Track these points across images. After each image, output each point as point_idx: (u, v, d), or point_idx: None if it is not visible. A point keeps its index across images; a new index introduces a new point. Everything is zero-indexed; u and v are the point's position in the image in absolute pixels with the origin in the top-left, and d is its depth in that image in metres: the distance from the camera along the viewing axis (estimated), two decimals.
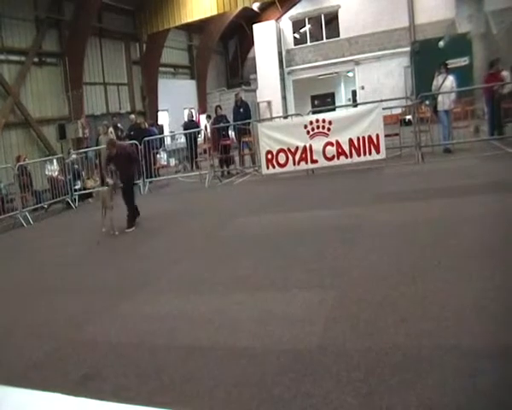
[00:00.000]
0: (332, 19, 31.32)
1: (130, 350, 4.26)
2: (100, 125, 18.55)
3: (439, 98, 13.26)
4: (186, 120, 19.98)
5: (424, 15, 27.42)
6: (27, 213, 13.14)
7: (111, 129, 17.80)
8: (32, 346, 4.67)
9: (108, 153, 10.12)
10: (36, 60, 19.70)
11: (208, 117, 19.73)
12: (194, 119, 20.29)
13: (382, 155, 12.62)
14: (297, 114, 16.06)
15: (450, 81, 13.21)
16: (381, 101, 13.60)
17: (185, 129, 18.65)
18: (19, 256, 9.36)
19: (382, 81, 27.78)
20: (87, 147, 17.06)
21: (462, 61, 22.15)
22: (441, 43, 24.07)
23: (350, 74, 32.14)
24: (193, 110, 23.84)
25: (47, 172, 15.71)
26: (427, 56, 22.53)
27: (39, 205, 14.73)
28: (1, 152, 17.67)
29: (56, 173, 15.59)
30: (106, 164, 10.46)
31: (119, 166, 10.07)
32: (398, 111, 16.81)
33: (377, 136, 12.56)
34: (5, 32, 18.27)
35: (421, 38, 27.12)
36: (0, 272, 8.22)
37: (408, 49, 27.75)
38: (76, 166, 15.98)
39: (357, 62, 30.31)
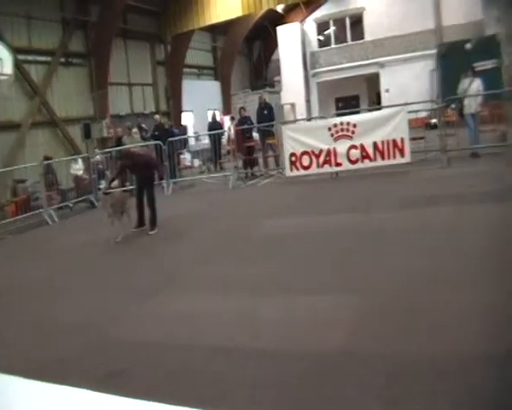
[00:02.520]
0: (357, 21, 31.12)
1: (154, 349, 4.29)
2: (123, 125, 18.71)
3: (466, 101, 13.10)
4: (210, 121, 20.05)
5: (451, 17, 27.05)
6: (52, 212, 13.34)
7: (135, 129, 17.95)
8: (59, 342, 4.74)
9: (122, 163, 10.20)
10: (62, 60, 20.00)
11: (232, 118, 19.79)
12: (217, 120, 20.34)
13: (407, 158, 12.50)
14: (321, 117, 16.00)
15: (477, 84, 13.03)
16: (407, 104, 13.48)
17: (209, 130, 18.73)
18: (43, 254, 9.50)
19: (407, 84, 27.43)
20: (111, 146, 17.21)
21: (490, 64, 21.76)
22: (468, 46, 23.70)
23: (375, 76, 31.87)
24: (217, 112, 23.90)
25: (72, 171, 15.93)
26: (453, 59, 22.26)
27: (64, 203, 14.94)
28: (28, 151, 17.92)
29: (81, 172, 15.79)
30: (119, 172, 10.52)
31: (136, 172, 10.12)
32: (424, 114, 16.64)
33: (402, 139, 12.44)
34: (33, 33, 18.60)
35: (447, 40, 26.82)
36: (25, 269, 8.35)
37: (434, 51, 27.45)
38: (100, 167, 16.14)
39: (382, 65, 30.06)
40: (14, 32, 17.71)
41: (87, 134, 19.47)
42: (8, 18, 17.55)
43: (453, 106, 14.35)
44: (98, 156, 16.38)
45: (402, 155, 12.48)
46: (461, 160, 12.45)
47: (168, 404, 1.16)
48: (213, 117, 20.04)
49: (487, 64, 21.33)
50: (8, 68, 15.10)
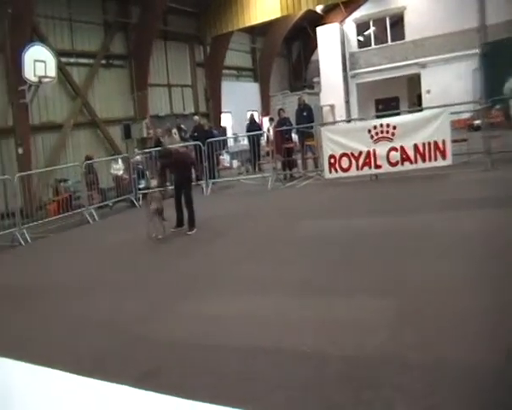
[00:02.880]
0: (397, 20, 30.73)
1: (190, 349, 4.30)
2: (163, 126, 18.90)
3: None
4: (248, 122, 20.08)
5: (496, 15, 26.31)
6: (93, 210, 13.58)
7: (174, 130, 18.11)
8: (96, 340, 4.81)
9: (163, 161, 10.28)
10: (103, 62, 20.37)
11: (271, 120, 19.77)
12: (256, 121, 20.34)
13: (449, 161, 12.24)
14: (361, 119, 15.83)
15: None
16: (448, 105, 13.22)
17: (247, 131, 18.75)
18: (83, 252, 9.68)
19: (449, 84, 26.89)
20: (151, 147, 17.44)
21: None
22: None
23: (416, 77, 31.37)
24: (255, 113, 23.91)
25: (112, 171, 16.17)
26: (498, 58, 21.71)
27: (104, 203, 15.18)
28: (69, 151, 18.33)
29: (121, 172, 16.01)
30: (161, 170, 10.62)
31: (175, 170, 10.18)
32: (467, 115, 16.28)
33: (444, 141, 12.19)
34: (76, 35, 19.01)
35: (491, 39, 26.17)
36: (63, 267, 8.51)
37: (477, 50, 26.82)
38: (140, 167, 16.33)
39: (423, 65, 29.58)
40: (57, 35, 18.15)
41: (127, 134, 19.76)
42: (51, 21, 17.99)
43: (498, 107, 13.99)
44: (138, 156, 16.57)
45: (443, 157, 12.23)
46: (505, 162, 12.07)
47: (201, 402, 1.14)
48: (251, 118, 20.05)
49: None
50: (52, 71, 15.50)
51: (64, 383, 1.27)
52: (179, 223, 10.00)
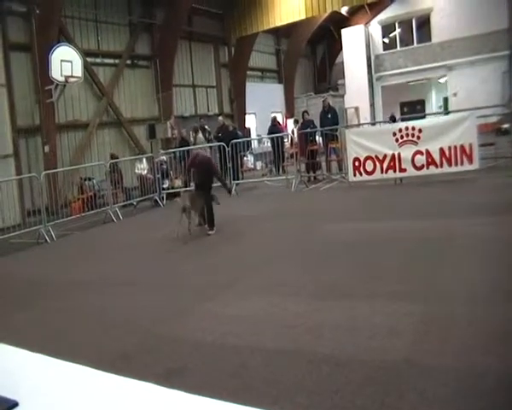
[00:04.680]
0: (423, 22, 30.34)
1: (214, 349, 4.30)
2: (189, 126, 18.97)
3: None
4: (270, 124, 19.99)
5: None
6: (117, 209, 13.71)
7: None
8: (121, 337, 4.84)
9: (190, 161, 10.37)
10: (129, 62, 20.55)
11: (296, 122, 19.68)
12: (276, 123, 20.16)
13: (475, 165, 12.06)
14: (385, 121, 15.71)
15: None
16: (475, 109, 13.03)
17: (269, 133, 18.69)
18: (106, 250, 9.81)
19: (477, 88, 26.48)
20: (175, 147, 17.53)
21: None
22: None
23: (442, 81, 31.03)
24: (278, 115, 23.84)
25: (136, 171, 16.29)
26: None
27: (129, 202, 15.32)
28: (95, 150, 18.52)
29: (145, 172, 16.11)
30: (188, 169, 10.68)
31: (197, 172, 10.22)
32: (494, 119, 16.04)
33: (470, 145, 12.02)
34: (101, 36, 19.23)
35: None
36: (88, 264, 8.60)
37: (506, 53, 26.42)
38: (164, 166, 16.42)
39: (449, 68, 29.19)
40: (83, 36, 18.35)
41: (152, 134, 19.88)
42: (77, 22, 18.21)
43: None
44: (162, 156, 16.65)
45: (470, 161, 12.06)
46: None
47: (223, 401, 1.13)
48: (273, 120, 19.85)
49: None
50: (78, 71, 15.68)
51: (86, 378, 1.26)
52: (201, 221, 10.19)
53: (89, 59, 18.05)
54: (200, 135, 17.53)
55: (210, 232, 9.66)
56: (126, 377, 1.21)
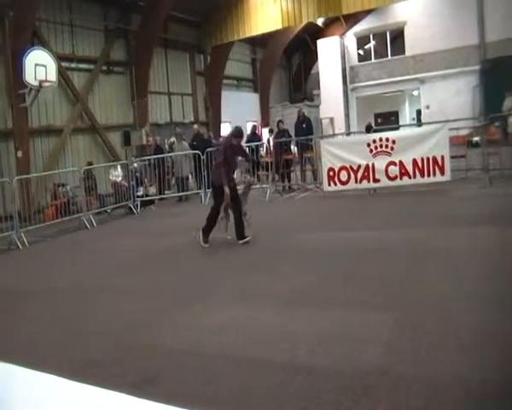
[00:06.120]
0: (397, 35, 30.91)
1: (188, 358, 4.27)
2: (162, 133, 18.92)
3: (511, 120, 12.81)
4: (249, 133, 19.96)
5: (495, 33, 26.40)
6: (91, 216, 13.58)
7: (172, 139, 18.14)
8: (93, 344, 4.79)
9: (226, 145, 9.16)
10: (104, 68, 20.39)
11: (271, 131, 19.69)
12: (256, 132, 20.14)
13: (447, 177, 12.27)
14: (360, 132, 15.87)
15: None
16: (447, 121, 13.27)
17: (247, 142, 18.67)
18: (80, 257, 9.68)
19: (449, 101, 27.01)
20: (150, 154, 17.45)
21: None
22: None
23: (415, 93, 31.54)
24: (256, 124, 23.88)
25: (111, 177, 16.14)
26: (497, 75, 21.85)
27: (103, 209, 15.18)
28: (69, 156, 18.32)
29: (120, 179, 15.99)
30: (224, 162, 9.07)
31: (232, 162, 9.26)
32: (465, 132, 16.34)
33: (442, 157, 12.22)
34: (76, 41, 19.04)
35: (491, 56, 26.32)
36: (62, 271, 8.50)
37: (477, 67, 26.99)
38: (137, 174, 16.32)
39: (422, 81, 29.72)
40: (58, 40, 18.17)
41: (127, 141, 19.76)
42: (52, 26, 18.01)
43: (497, 124, 14.05)
44: (135, 164, 16.55)
45: (442, 172, 12.26)
46: (504, 179, 12.13)
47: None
48: (253, 129, 19.74)
49: None
50: (53, 75, 15.52)
51: (57, 388, 1.26)
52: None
53: (63, 63, 17.85)
54: (185, 143, 17.50)
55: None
56: (97, 387, 1.20)
